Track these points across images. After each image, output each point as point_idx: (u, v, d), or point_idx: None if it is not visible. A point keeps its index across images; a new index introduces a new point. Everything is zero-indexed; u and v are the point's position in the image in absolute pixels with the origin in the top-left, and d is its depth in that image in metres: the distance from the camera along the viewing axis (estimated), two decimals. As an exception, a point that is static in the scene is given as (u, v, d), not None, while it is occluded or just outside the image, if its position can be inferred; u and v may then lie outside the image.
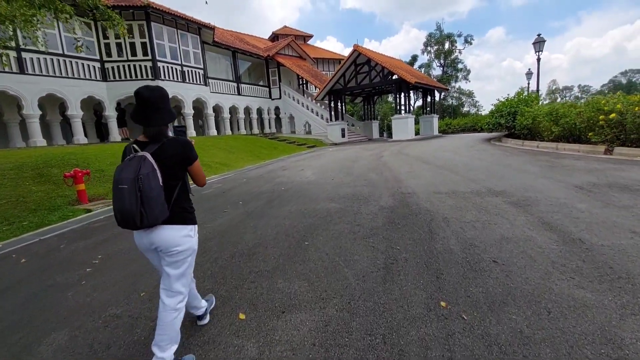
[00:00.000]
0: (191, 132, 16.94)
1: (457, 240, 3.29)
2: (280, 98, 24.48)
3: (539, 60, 14.46)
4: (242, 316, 2.31)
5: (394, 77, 19.82)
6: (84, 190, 6.53)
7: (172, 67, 15.91)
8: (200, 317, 2.24)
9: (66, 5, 6.01)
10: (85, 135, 15.86)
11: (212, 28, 17.61)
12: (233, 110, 21.26)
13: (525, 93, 13.93)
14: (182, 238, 1.80)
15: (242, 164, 11.62)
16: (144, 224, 1.63)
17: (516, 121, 11.79)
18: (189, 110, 16.68)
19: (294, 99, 23.89)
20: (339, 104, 22.15)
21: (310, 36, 34.41)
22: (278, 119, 25.36)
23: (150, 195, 1.62)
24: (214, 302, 2.45)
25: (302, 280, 2.74)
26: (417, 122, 23.54)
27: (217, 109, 19.82)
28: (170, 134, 1.86)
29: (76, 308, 2.60)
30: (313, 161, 11.28)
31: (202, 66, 17.74)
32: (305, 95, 25.39)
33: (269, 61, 23.96)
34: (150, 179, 1.62)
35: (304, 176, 8.08)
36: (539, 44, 14.25)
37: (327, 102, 22.65)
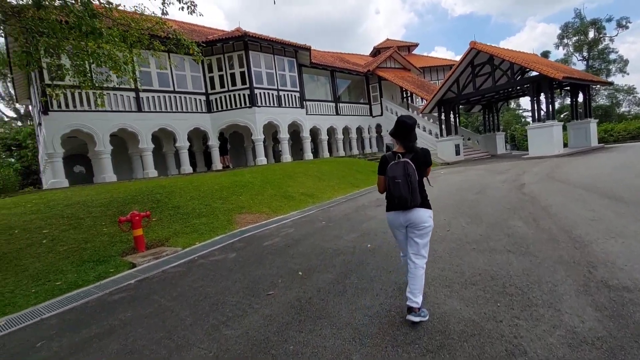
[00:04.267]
0: (286, 157, 16.32)
1: None
2: (381, 115, 22.37)
3: None
4: None
5: (528, 74, 15.43)
6: (141, 236, 5.69)
7: (268, 93, 15.69)
8: (411, 309, 2.47)
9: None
10: (195, 164, 16.96)
11: (308, 49, 16.98)
12: (331, 131, 20.16)
13: None
14: (427, 217, 2.58)
15: (330, 195, 9.84)
16: (409, 206, 2.50)
17: None
18: (284, 134, 16.12)
19: (397, 115, 21.39)
20: (452, 115, 18.64)
21: (416, 45, 31.52)
22: (380, 138, 23.20)
23: (414, 186, 2.46)
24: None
25: None
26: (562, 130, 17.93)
27: (314, 131, 19.00)
28: None
29: None
30: (419, 191, 8.66)
31: (298, 89, 17.18)
32: (410, 109, 22.64)
33: (369, 76, 22.26)
34: (413, 175, 2.45)
35: (403, 220, 5.68)
36: None
37: (436, 114, 19.41)
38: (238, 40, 14.67)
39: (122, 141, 14.26)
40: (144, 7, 7.60)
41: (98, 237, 5.98)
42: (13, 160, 21.29)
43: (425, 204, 2.60)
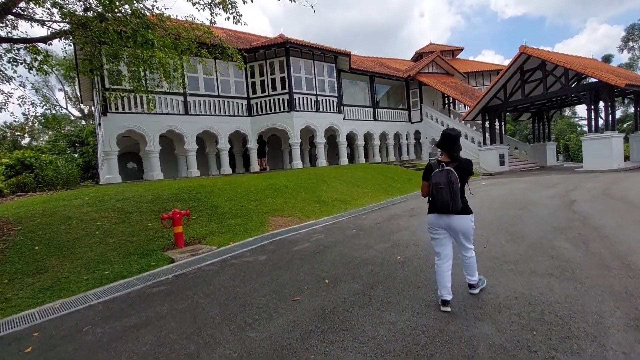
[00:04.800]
0: (322, 162, 16.45)
1: None
2: (421, 121, 21.78)
3: None
4: None
5: (586, 81, 14.27)
6: (181, 233, 6.03)
7: (306, 98, 15.95)
8: (472, 285, 3.10)
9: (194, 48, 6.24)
10: (234, 165, 17.64)
11: (347, 54, 17.02)
12: (368, 136, 19.98)
13: None
14: (469, 222, 2.95)
15: (363, 202, 9.76)
16: (450, 210, 2.82)
17: None
18: (320, 139, 16.28)
19: (437, 121, 20.73)
20: (497, 123, 17.70)
21: (460, 49, 30.39)
22: (418, 144, 22.61)
23: (455, 192, 2.77)
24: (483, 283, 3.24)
25: None
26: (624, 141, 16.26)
27: (351, 136, 18.97)
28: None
29: None
30: (456, 202, 8.32)
31: (336, 94, 17.27)
32: (451, 115, 21.82)
33: (410, 82, 21.81)
34: (455, 182, 2.77)
35: (437, 233, 5.50)
36: None
37: (479, 122, 18.53)
38: (280, 46, 15.09)
39: (170, 141, 15.20)
40: (194, 17, 8.10)
41: (143, 232, 6.43)
42: (76, 155, 23.56)
43: (466, 210, 2.94)
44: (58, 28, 6.73)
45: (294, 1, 5.81)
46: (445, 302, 2.84)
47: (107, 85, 11.12)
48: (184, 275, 4.56)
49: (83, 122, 31.29)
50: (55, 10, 6.45)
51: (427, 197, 3.04)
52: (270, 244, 5.82)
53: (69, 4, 6.00)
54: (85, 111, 30.96)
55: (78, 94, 25.88)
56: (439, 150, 3.04)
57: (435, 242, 3.04)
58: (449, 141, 2.92)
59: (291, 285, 3.76)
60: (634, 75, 16.94)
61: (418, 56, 28.49)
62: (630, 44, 33.94)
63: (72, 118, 32.04)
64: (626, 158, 15.68)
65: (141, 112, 12.43)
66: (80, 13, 6.13)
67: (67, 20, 6.15)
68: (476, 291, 3.06)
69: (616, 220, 5.24)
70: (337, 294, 3.40)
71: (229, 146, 15.12)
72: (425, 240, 5.07)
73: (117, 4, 4.88)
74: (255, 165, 15.74)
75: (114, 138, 11.86)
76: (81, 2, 5.83)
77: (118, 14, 5.44)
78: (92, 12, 5.79)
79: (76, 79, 21.89)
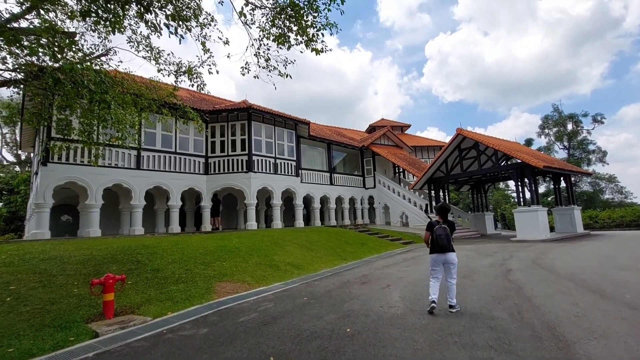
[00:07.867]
0: (277, 223, 16.27)
1: None
2: (374, 187, 22.97)
3: None
4: None
5: (512, 161, 16.37)
6: (111, 302, 5.38)
7: (265, 160, 16.31)
8: (452, 306, 4.73)
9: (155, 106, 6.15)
10: (184, 224, 16.77)
11: (307, 123, 18.14)
12: (324, 200, 20.46)
13: None
14: (455, 257, 4.92)
15: (317, 267, 9.61)
16: (447, 250, 4.85)
17: None
18: (277, 201, 16.34)
19: (389, 188, 22.00)
20: (441, 193, 19.22)
21: (408, 126, 33.83)
22: (372, 209, 23.49)
23: (449, 239, 4.89)
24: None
25: None
26: (548, 214, 18.35)
27: (308, 199, 19.28)
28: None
29: None
30: (405, 269, 8.52)
31: (294, 158, 17.91)
32: (401, 184, 23.36)
33: (364, 151, 23.45)
34: (449, 234, 4.91)
35: (387, 302, 5.50)
36: None
37: (426, 191, 19.99)
38: (242, 111, 15.76)
39: (114, 195, 14.30)
40: (158, 78, 8.33)
41: (66, 299, 5.66)
42: (0, 204, 20.98)
43: (454, 250, 4.92)
44: (9, 76, 6.50)
45: (258, 77, 6.30)
46: (433, 301, 4.70)
47: (52, 135, 10.55)
48: (107, 353, 3.98)
49: (17, 168, 28.53)
50: (9, 57, 6.27)
51: (428, 243, 5.05)
52: (214, 314, 5.39)
53: (24, 56, 5.91)
54: (22, 157, 28.47)
55: (18, 139, 23.98)
56: (436, 213, 5.15)
57: (434, 273, 4.93)
58: (445, 210, 5.12)
59: (232, 364, 3.44)
60: (550, 158, 19.85)
61: (372, 129, 31.11)
62: (546, 130, 40.42)
63: (5, 163, 29.15)
64: (552, 229, 17.54)
65: (86, 163, 11.75)
66: (36, 66, 6.03)
67: (20, 69, 6.00)
68: (454, 310, 4.64)
69: (545, 290, 5.68)
70: (282, 374, 3.17)
71: (181, 203, 14.53)
72: (375, 311, 5.04)
73: (78, 69, 4.84)
74: (207, 225, 15.10)
75: (50, 190, 10.91)
76: (39, 61, 5.75)
77: (76, 78, 5.39)
78: (46, 73, 5.69)
79: (19, 124, 20.50)
